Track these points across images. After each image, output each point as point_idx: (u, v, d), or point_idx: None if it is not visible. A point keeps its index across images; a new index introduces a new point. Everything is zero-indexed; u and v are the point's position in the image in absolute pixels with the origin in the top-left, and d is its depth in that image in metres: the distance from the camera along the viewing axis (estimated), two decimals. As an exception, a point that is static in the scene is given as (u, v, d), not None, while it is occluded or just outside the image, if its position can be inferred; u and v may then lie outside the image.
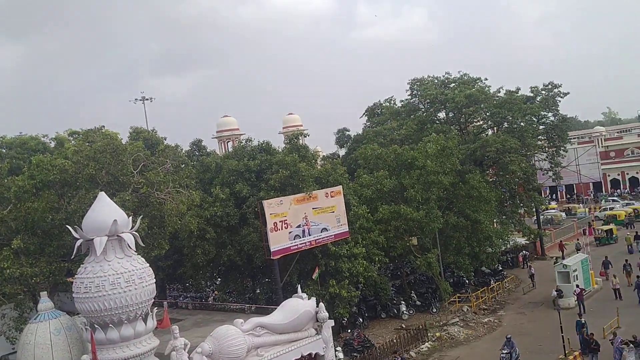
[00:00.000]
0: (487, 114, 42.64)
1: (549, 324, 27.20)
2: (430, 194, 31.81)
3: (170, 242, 23.30)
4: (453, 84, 44.23)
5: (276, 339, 16.07)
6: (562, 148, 44.95)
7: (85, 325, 13.97)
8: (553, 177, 45.23)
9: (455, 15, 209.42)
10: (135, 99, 56.12)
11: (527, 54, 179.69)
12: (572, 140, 66.12)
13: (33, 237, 20.18)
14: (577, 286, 30.58)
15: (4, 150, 32.72)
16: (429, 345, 27.19)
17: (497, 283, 35.90)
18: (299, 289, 17.91)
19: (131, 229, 14.13)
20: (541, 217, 48.47)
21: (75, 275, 13.82)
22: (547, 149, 44.91)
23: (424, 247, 32.53)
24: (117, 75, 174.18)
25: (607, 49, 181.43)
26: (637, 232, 43.96)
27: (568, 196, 79.25)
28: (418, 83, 45.21)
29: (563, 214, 60.34)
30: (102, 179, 20.92)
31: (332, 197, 27.72)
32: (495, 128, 44.19)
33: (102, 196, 14.21)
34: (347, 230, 28.12)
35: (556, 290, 30.54)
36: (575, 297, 29.91)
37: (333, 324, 18.15)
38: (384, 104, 50.15)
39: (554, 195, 78.89)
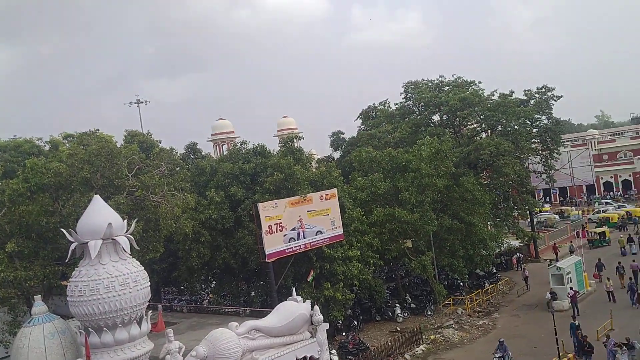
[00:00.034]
0: (481, 117, 42.81)
1: (543, 326, 27.24)
2: (425, 196, 31.91)
3: (165, 245, 23.26)
4: (447, 87, 44.51)
5: (271, 342, 16.05)
6: (555, 151, 45.01)
7: (79, 329, 13.93)
8: (546, 179, 45.31)
9: (449, 19, 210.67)
10: (130, 102, 56.03)
11: (521, 58, 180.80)
12: (565, 143, 66.50)
13: (27, 241, 20.16)
14: (571, 288, 30.72)
15: (-2, 154, 32.56)
16: (423, 348, 27.25)
17: (491, 286, 36.01)
18: (294, 292, 17.93)
19: (126, 232, 14.09)
20: (535, 219, 48.62)
21: (70, 279, 13.78)
22: (540, 151, 44.97)
23: (418, 249, 32.56)
24: (112, 79, 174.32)
25: (601, 54, 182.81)
26: (629, 235, 44.28)
27: (561, 199, 79.68)
28: (412, 86, 45.42)
29: (556, 217, 60.44)
30: (96, 182, 20.86)
31: (326, 199, 27.76)
32: (489, 131, 44.42)
33: (97, 199, 14.15)
34: (342, 233, 28.14)
35: (550, 293, 30.47)
36: (569, 299, 30.02)
37: (328, 327, 18.09)
38: (378, 107, 50.27)
39: (548, 198, 79.27)
